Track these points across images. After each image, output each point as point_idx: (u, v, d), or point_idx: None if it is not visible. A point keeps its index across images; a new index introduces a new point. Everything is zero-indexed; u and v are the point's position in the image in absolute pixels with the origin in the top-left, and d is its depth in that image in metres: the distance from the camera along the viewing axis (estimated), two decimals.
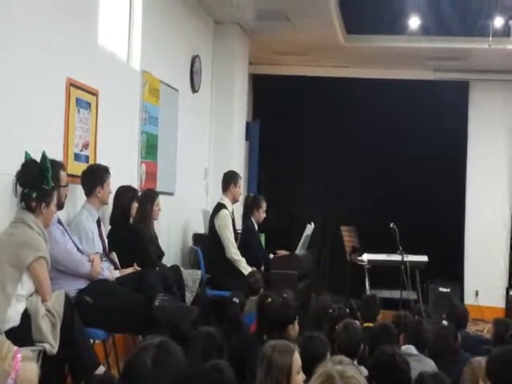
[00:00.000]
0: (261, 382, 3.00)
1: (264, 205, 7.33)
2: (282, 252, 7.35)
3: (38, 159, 4.13)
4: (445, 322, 4.72)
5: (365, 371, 3.57)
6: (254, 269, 6.54)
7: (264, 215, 7.34)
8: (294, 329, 4.21)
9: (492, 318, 6.01)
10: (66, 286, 4.40)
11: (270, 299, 4.76)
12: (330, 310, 4.83)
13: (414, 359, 3.89)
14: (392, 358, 3.43)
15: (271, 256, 7.23)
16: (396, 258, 8.09)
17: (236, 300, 5.05)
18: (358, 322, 5.02)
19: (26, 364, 2.19)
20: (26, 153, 4.15)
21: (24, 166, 4.11)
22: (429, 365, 4.03)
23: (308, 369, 2.84)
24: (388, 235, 7.99)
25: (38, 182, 4.06)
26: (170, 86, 6.92)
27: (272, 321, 4.27)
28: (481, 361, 3.31)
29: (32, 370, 2.21)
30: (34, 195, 4.03)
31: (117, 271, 5.00)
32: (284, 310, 4.23)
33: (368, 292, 7.99)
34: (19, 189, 4.09)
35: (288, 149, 10.31)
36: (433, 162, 10.01)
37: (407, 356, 3.78)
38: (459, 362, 4.11)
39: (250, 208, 7.36)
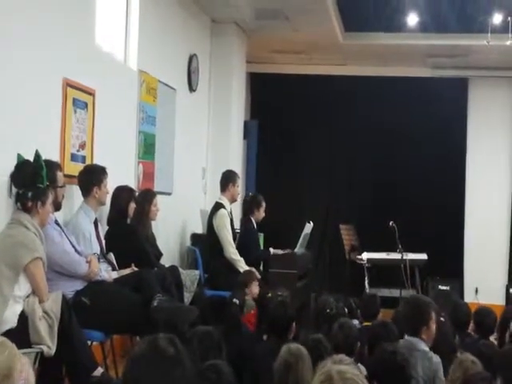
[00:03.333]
0: None
1: (263, 204, 7.29)
2: (279, 251, 7.28)
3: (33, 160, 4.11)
4: (442, 319, 4.68)
5: (364, 370, 3.54)
6: (252, 268, 6.51)
7: (263, 214, 7.31)
8: (292, 328, 4.17)
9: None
10: (63, 287, 4.38)
11: (269, 294, 4.75)
12: (328, 310, 4.81)
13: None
14: (392, 356, 3.40)
15: (271, 250, 7.18)
16: (395, 256, 8.09)
17: (236, 301, 5.03)
18: (356, 321, 5.00)
19: (29, 367, 2.20)
20: (19, 155, 4.14)
21: (18, 166, 4.09)
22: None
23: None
24: (387, 233, 7.98)
25: (32, 181, 4.04)
26: (167, 85, 6.89)
27: (272, 322, 4.23)
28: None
29: (32, 374, 2.20)
30: (30, 195, 4.02)
31: (114, 272, 4.98)
32: (284, 309, 4.19)
33: (367, 291, 7.97)
34: (14, 190, 4.07)
35: (286, 147, 10.29)
36: (432, 159, 9.99)
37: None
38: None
39: (249, 207, 7.32)
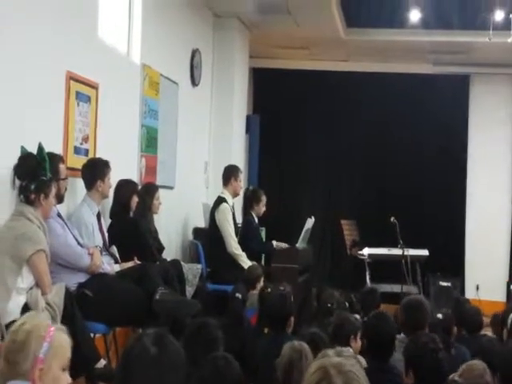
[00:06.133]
0: None
1: (264, 198, 7.29)
2: (282, 244, 7.27)
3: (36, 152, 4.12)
4: (440, 316, 4.70)
5: (364, 362, 3.56)
6: (254, 263, 6.53)
7: (264, 208, 7.30)
8: (290, 322, 4.18)
9: (493, 312, 5.97)
10: (66, 279, 4.39)
11: (269, 289, 4.76)
12: (329, 304, 4.83)
13: None
14: (433, 354, 3.37)
15: (274, 243, 7.17)
16: (397, 251, 8.09)
17: (239, 295, 5.04)
18: (357, 316, 5.01)
19: (59, 333, 2.37)
20: (22, 147, 4.15)
21: (21, 159, 4.10)
22: None
23: None
24: (388, 229, 7.98)
25: (35, 173, 4.05)
26: (170, 79, 6.90)
27: (270, 314, 4.24)
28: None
29: (65, 338, 2.39)
30: (33, 187, 4.03)
31: (117, 265, 4.99)
32: (282, 302, 4.20)
33: (368, 286, 7.98)
34: (17, 182, 4.08)
35: (288, 142, 10.31)
36: (433, 156, 10.01)
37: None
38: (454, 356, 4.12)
39: (249, 202, 7.32)
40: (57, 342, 2.34)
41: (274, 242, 7.16)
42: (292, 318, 4.17)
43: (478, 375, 3.22)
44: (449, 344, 4.35)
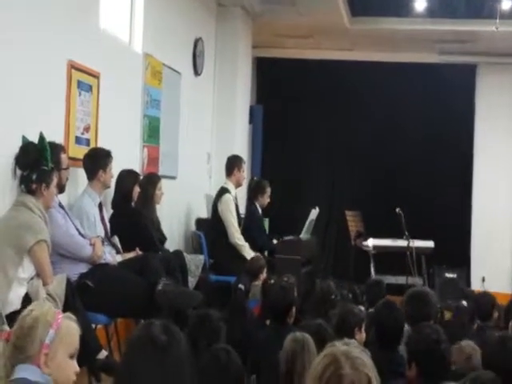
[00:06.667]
0: None
1: (268, 189, 7.27)
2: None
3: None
4: (464, 303, 4.67)
5: (368, 354, 3.52)
6: (258, 254, 6.49)
7: (268, 200, 7.29)
8: (291, 313, 4.15)
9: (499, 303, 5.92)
10: (67, 269, 4.38)
11: (272, 281, 4.73)
12: (333, 296, 4.79)
13: None
14: (436, 345, 3.33)
15: (275, 242, 7.15)
16: (402, 243, 8.06)
17: (242, 286, 5.01)
18: (362, 307, 4.98)
19: (67, 321, 2.41)
20: (23, 137, 4.15)
21: (22, 148, 4.09)
22: None
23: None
24: (394, 220, 7.94)
25: (37, 163, 4.03)
26: (172, 68, 6.85)
27: (273, 306, 4.21)
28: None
29: (73, 327, 2.43)
30: (34, 177, 4.02)
31: (119, 255, 4.98)
32: (283, 294, 4.17)
33: (373, 277, 7.95)
34: (18, 172, 4.06)
35: (292, 133, 10.25)
36: (439, 146, 9.95)
37: None
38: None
39: (254, 193, 7.30)
40: (64, 329, 2.38)
41: (275, 242, 7.11)
42: (293, 309, 4.14)
43: (467, 358, 3.21)
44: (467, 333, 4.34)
